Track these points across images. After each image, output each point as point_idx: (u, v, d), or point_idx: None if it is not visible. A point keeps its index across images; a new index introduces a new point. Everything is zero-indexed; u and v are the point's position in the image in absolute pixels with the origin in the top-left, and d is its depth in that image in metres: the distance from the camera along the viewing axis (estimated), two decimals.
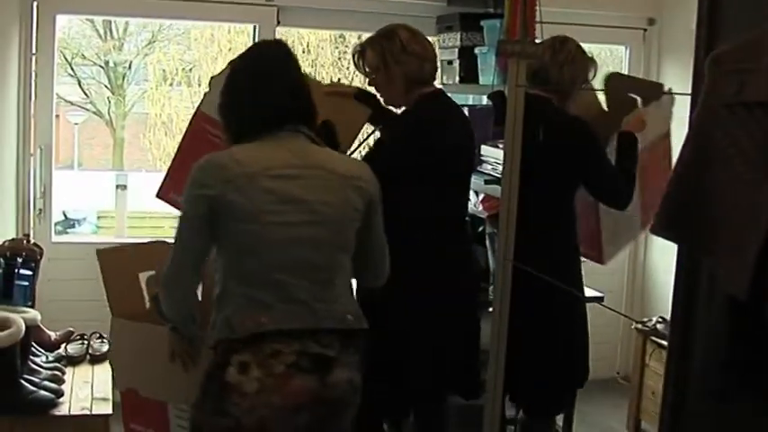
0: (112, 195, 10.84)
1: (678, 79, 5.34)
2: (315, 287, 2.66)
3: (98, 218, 11.88)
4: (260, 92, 2.70)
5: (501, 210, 3.49)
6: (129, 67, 14.17)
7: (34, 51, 4.81)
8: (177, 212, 2.81)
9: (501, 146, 4.07)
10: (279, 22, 5.11)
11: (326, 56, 9.44)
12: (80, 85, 14.90)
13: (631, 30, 5.68)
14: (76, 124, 15.74)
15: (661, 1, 5.60)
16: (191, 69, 10.76)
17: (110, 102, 14.70)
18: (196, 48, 10.60)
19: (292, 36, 9.33)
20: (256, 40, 5.11)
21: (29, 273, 4.01)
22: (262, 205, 2.61)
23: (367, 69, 3.74)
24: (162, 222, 10.40)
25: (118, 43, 14.36)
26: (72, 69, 14.62)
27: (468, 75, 4.73)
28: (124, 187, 6.06)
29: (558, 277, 3.45)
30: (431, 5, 5.06)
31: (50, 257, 4.33)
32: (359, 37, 4.53)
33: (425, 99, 3.67)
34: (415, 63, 3.63)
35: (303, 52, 9.62)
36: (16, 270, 3.97)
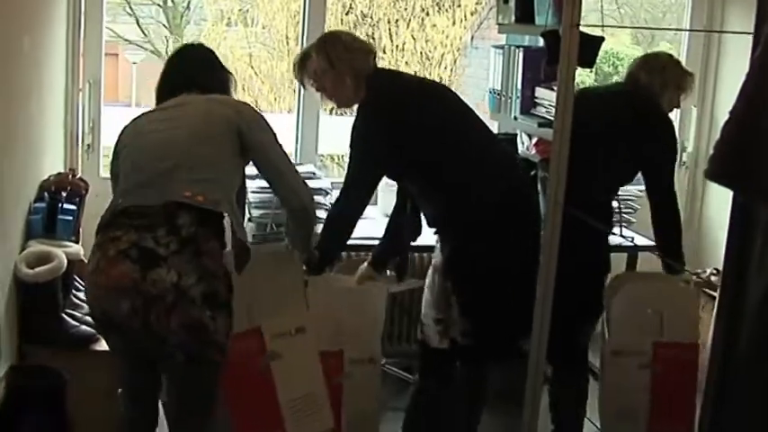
0: None
1: (744, 25, 5.17)
2: (169, 172, 2.97)
3: None
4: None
5: (552, 152, 3.39)
6: (188, 6, 14.09)
7: None
8: None
9: (555, 88, 4.06)
10: None
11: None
12: (138, 24, 14.83)
13: None
14: (135, 63, 15.73)
15: None
16: (247, 10, 10.61)
17: (167, 41, 14.62)
18: None
19: None
20: None
21: (73, 207, 3.98)
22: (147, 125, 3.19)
23: (312, 77, 3.68)
24: None
25: None
26: (131, 8, 14.56)
27: (525, 14, 4.56)
28: None
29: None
30: None
31: (98, 193, 4.29)
32: None
33: (375, 76, 3.64)
34: (361, 57, 3.63)
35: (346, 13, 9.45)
36: (60, 204, 3.94)
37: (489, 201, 3.58)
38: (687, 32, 5.53)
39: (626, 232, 4.66)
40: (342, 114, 9.81)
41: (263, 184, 3.74)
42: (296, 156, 5.16)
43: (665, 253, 3.99)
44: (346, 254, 4.57)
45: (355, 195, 3.60)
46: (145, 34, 14.47)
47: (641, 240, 4.69)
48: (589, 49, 3.46)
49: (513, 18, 4.67)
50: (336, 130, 6.36)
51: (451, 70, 9.09)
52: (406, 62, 9.08)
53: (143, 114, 3.27)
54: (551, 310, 3.37)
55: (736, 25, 5.19)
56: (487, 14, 8.51)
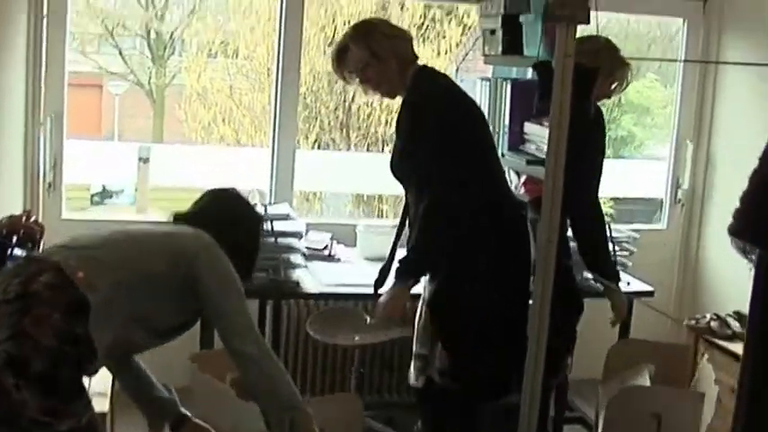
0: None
1: (739, 54, 4.90)
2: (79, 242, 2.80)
3: (135, 190, 11.52)
4: None
5: (545, 191, 3.09)
6: (171, 38, 13.84)
7: (45, 13, 4.41)
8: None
9: (545, 123, 3.83)
10: None
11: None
12: (121, 56, 14.59)
13: (689, 0, 5.14)
14: (117, 95, 15.51)
15: None
16: (228, 42, 10.33)
17: (151, 72, 14.38)
18: (234, 18, 10.15)
19: (320, 4, 8.84)
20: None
21: (23, 254, 3.62)
22: None
23: (354, 69, 3.52)
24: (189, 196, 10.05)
25: (160, 12, 14.03)
26: (113, 39, 14.31)
27: (513, 45, 4.23)
28: (146, 160, 5.66)
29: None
30: None
31: (61, 234, 3.93)
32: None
33: (422, 72, 3.54)
34: (401, 43, 3.51)
35: (343, 24, 9.14)
36: (10, 250, 3.57)
37: (487, 232, 3.45)
38: (681, 63, 5.22)
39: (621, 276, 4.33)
40: (325, 148, 9.63)
41: None
42: (270, 194, 4.80)
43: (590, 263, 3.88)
44: (324, 303, 4.27)
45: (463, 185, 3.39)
46: (128, 66, 14.22)
47: (638, 285, 4.37)
48: (584, 80, 3.14)
49: (499, 49, 4.34)
50: (314, 166, 6.08)
51: None
52: None
53: None
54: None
55: (734, 54, 4.89)
56: (473, 46, 8.23)
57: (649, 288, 4.36)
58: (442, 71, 3.79)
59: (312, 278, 4.07)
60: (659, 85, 8.40)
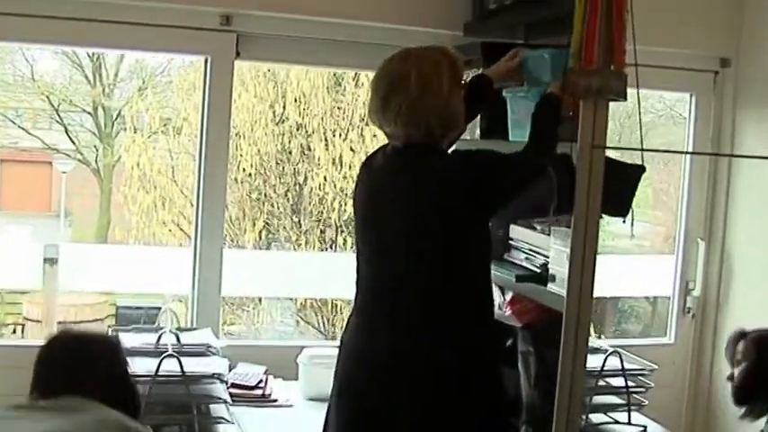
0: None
1: (758, 136, 3.95)
2: None
3: None
4: None
5: (565, 323, 2.06)
6: (119, 115, 12.91)
7: None
8: None
9: (538, 227, 2.97)
10: (239, 54, 3.62)
11: (318, 105, 7.97)
12: (67, 133, 13.67)
13: (699, 72, 4.13)
14: (64, 173, 14.58)
15: (738, 36, 4.05)
16: (169, 119, 9.32)
17: (97, 150, 13.43)
18: (177, 96, 9.14)
19: (271, 77, 7.88)
20: (209, 76, 3.63)
21: None
22: None
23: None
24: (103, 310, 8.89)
25: (108, 89, 13.11)
26: (59, 116, 13.39)
27: (494, 127, 3.22)
28: (54, 261, 4.52)
29: None
30: (441, 34, 3.57)
31: None
32: (355, 76, 3.11)
33: None
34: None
35: (295, 101, 8.14)
36: None
37: None
38: (689, 141, 4.24)
39: (636, 417, 3.29)
40: (274, 234, 8.60)
41: None
42: (191, 307, 3.68)
43: None
44: None
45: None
46: (74, 143, 13.30)
47: (655, 428, 3.32)
48: (624, 185, 2.11)
49: (477, 132, 3.31)
50: (253, 264, 5.04)
51: None
52: (344, 176, 7.76)
53: None
54: None
55: (753, 134, 3.93)
56: None
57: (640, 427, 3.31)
58: None
59: None
60: (668, 173, 7.25)
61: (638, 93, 1.99)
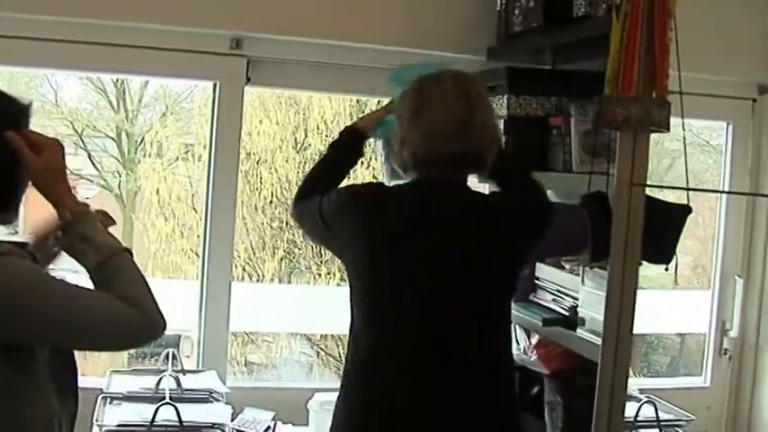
0: None
1: None
2: None
3: None
4: None
5: (600, 376, 1.81)
6: (142, 141, 12.79)
7: None
8: None
9: (567, 266, 2.78)
10: (249, 80, 3.40)
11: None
12: (90, 158, 13.57)
13: (736, 100, 3.88)
14: (88, 198, 14.44)
15: None
16: (191, 145, 9.15)
17: (120, 176, 13.31)
18: (199, 122, 8.98)
19: (293, 104, 7.67)
20: (218, 102, 3.42)
21: None
22: None
23: None
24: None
25: (131, 115, 13.02)
26: (82, 141, 13.32)
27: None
28: None
29: None
30: (463, 59, 3.35)
31: None
32: (378, 104, 2.93)
33: None
34: None
35: (317, 128, 7.93)
36: None
37: None
38: (725, 178, 3.98)
39: None
40: (296, 265, 8.37)
41: None
42: (196, 357, 3.44)
43: None
44: None
45: None
46: (97, 169, 13.22)
47: None
48: (667, 227, 1.86)
49: None
50: (268, 298, 4.82)
51: None
52: None
53: None
54: None
55: None
56: None
57: None
58: None
59: None
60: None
61: (683, 123, 1.75)
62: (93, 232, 1.78)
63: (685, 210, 1.88)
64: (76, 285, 1.73)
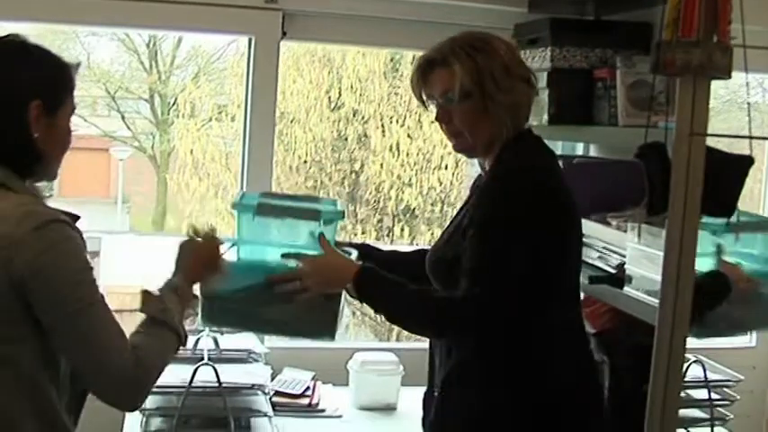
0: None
1: None
2: None
3: None
4: None
5: (657, 340, 1.73)
6: (175, 102, 12.80)
7: None
8: None
9: (613, 222, 2.63)
10: (285, 34, 3.33)
11: (375, 91, 7.69)
12: (124, 121, 13.61)
13: None
14: (121, 160, 14.54)
15: None
16: (225, 105, 9.12)
17: (153, 137, 13.35)
18: (232, 82, 8.93)
19: (326, 62, 7.60)
20: (253, 58, 3.35)
21: None
22: None
23: (441, 95, 2.17)
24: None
25: (164, 76, 12.99)
26: (115, 103, 13.35)
27: (564, 112, 2.90)
28: (95, 254, 4.32)
29: None
30: (504, 11, 3.26)
31: None
32: (412, 59, 2.84)
33: (525, 142, 2.19)
34: (525, 91, 2.17)
35: (351, 87, 7.86)
36: None
37: None
38: None
39: None
40: None
41: None
42: None
43: None
44: None
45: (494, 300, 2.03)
46: (131, 130, 13.27)
47: None
48: (729, 179, 1.77)
49: (544, 117, 2.98)
50: None
51: (453, 175, 7.43)
52: (401, 164, 7.46)
53: None
54: None
55: None
56: None
57: None
58: None
59: None
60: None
61: (746, 71, 1.65)
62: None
63: (748, 160, 1.79)
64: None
